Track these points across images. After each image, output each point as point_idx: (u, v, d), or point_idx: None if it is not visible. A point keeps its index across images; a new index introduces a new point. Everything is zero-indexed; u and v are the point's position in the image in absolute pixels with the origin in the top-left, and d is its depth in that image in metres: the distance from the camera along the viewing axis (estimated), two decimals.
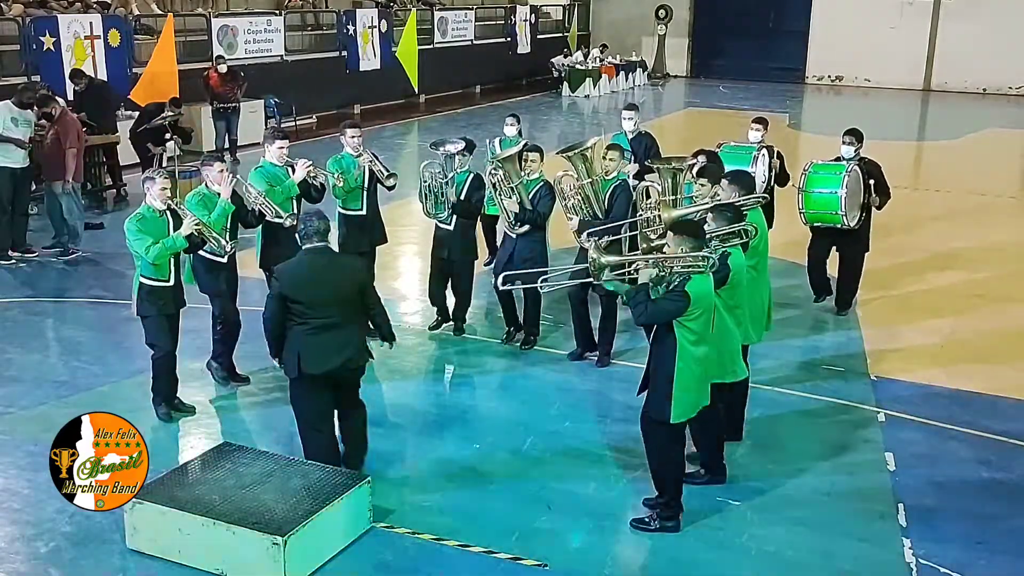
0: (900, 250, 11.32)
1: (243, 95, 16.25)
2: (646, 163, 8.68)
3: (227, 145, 15.88)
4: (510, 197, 8.01)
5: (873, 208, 9.08)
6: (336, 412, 6.18)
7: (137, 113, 14.64)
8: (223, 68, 15.81)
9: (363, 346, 6.12)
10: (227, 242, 7.06)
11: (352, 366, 6.03)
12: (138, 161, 13.24)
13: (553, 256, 8.69)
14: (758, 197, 6.90)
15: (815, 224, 9.11)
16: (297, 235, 6.12)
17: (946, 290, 10.34)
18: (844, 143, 9.09)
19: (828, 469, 6.59)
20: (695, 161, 7.61)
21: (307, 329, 5.86)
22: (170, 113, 12.32)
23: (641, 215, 7.05)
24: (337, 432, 6.24)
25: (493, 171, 8.10)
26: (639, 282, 5.48)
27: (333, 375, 5.94)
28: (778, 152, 9.51)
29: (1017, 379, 8.06)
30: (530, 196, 8.02)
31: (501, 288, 6.90)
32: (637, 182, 7.75)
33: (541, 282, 6.35)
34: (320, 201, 8.07)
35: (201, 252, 7.18)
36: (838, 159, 9.13)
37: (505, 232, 8.26)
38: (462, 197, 8.24)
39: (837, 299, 9.45)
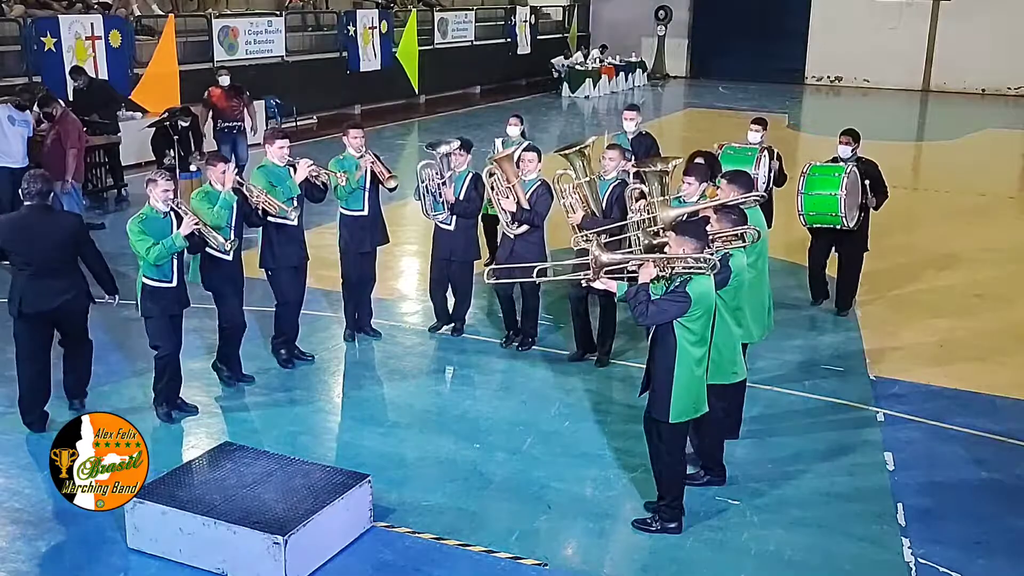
0: (900, 250, 11.33)
1: (251, 114, 13.98)
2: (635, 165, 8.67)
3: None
4: (507, 197, 8.02)
5: (871, 208, 9.10)
6: (64, 350, 7.04)
7: (140, 114, 14.69)
8: (225, 81, 13.53)
9: (81, 291, 6.83)
10: (228, 240, 7.05)
11: (69, 307, 6.76)
12: (144, 161, 13.28)
13: (552, 256, 8.69)
14: (756, 196, 6.91)
15: (815, 225, 9.12)
16: (20, 193, 6.72)
17: (946, 290, 10.35)
18: (841, 143, 9.12)
19: (827, 469, 6.61)
20: (678, 161, 7.59)
21: (28, 274, 6.63)
22: (183, 124, 12.23)
23: (631, 217, 7.04)
24: None
25: (490, 171, 8.11)
26: (639, 282, 5.48)
27: (50, 315, 6.71)
28: (777, 153, 9.53)
29: (1016, 379, 8.08)
30: (528, 196, 8.03)
31: (487, 282, 6.89)
32: (636, 181, 7.75)
33: (536, 274, 6.56)
34: (323, 201, 8.10)
35: (210, 252, 7.18)
36: (835, 159, 9.15)
37: (503, 232, 8.27)
38: (461, 197, 8.26)
39: (837, 299, 9.46)
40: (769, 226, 9.08)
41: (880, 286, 10.08)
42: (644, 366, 5.83)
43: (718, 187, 6.91)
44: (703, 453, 6.33)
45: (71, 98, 13.41)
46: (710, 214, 6.27)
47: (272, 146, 7.75)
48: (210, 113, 13.39)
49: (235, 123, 13.47)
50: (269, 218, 7.58)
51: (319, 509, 5.38)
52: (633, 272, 5.67)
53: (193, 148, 12.11)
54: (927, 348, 8.78)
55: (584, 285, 5.91)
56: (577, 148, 7.75)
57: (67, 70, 14.15)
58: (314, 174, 7.79)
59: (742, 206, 6.43)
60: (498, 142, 10.00)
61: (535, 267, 6.76)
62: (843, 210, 8.76)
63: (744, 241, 6.09)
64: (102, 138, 12.96)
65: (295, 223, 7.68)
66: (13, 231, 6.67)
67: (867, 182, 8.96)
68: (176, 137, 12.03)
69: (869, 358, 8.45)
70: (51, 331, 6.88)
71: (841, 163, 9.02)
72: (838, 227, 8.91)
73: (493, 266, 6.87)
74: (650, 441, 5.83)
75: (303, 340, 8.22)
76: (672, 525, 5.79)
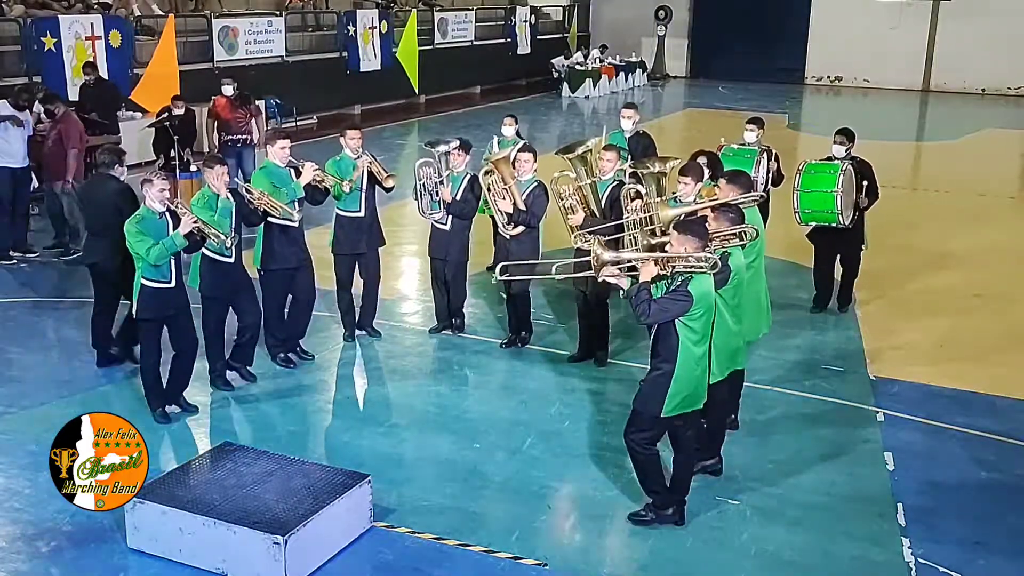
0: (900, 250, 11.33)
1: (259, 126, 12.87)
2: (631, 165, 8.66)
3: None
4: (503, 198, 8.02)
5: (862, 208, 9.10)
6: None
7: (140, 114, 14.68)
8: (229, 90, 12.62)
9: (107, 253, 7.55)
10: (228, 237, 7.04)
11: (100, 267, 7.74)
12: (144, 161, 13.25)
13: (547, 256, 8.68)
14: (755, 196, 6.91)
15: (810, 223, 9.10)
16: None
17: (945, 290, 10.35)
18: (835, 143, 9.13)
19: (827, 469, 6.61)
20: (676, 161, 7.60)
21: (87, 232, 8.12)
22: (178, 112, 12.25)
23: (628, 216, 7.03)
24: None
25: (486, 172, 8.10)
26: (640, 281, 5.48)
27: (90, 271, 7.95)
28: (775, 153, 9.53)
29: (1016, 379, 8.08)
30: (524, 197, 8.03)
31: (499, 279, 6.86)
32: (633, 181, 7.74)
33: (555, 271, 6.48)
34: (323, 203, 8.09)
35: (210, 254, 7.18)
36: (829, 159, 9.15)
37: (499, 233, 8.27)
38: (458, 197, 8.26)
39: (839, 297, 9.48)
40: (765, 225, 9.09)
41: (880, 286, 10.08)
42: (645, 366, 5.82)
43: (718, 187, 6.91)
44: (706, 441, 6.31)
45: (75, 96, 13.42)
46: (708, 213, 6.28)
47: (274, 147, 7.76)
48: (215, 125, 12.70)
49: (240, 136, 12.47)
50: (270, 218, 7.58)
51: (319, 509, 5.38)
52: (634, 271, 5.67)
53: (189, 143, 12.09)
54: (927, 348, 8.78)
55: (599, 279, 5.85)
56: (578, 153, 7.74)
57: (67, 70, 14.18)
58: (318, 179, 7.79)
59: (741, 206, 6.43)
60: (494, 141, 10.00)
61: (542, 264, 6.73)
62: (839, 207, 8.76)
63: (742, 240, 6.10)
64: (102, 138, 12.94)
65: (296, 224, 7.68)
66: (81, 194, 8.56)
67: (864, 182, 8.96)
68: (176, 137, 12.04)
69: (869, 358, 8.45)
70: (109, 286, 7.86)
71: (837, 161, 9.02)
72: (834, 225, 8.90)
73: (504, 263, 6.83)
74: (629, 436, 5.80)
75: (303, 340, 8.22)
76: (669, 512, 5.78)
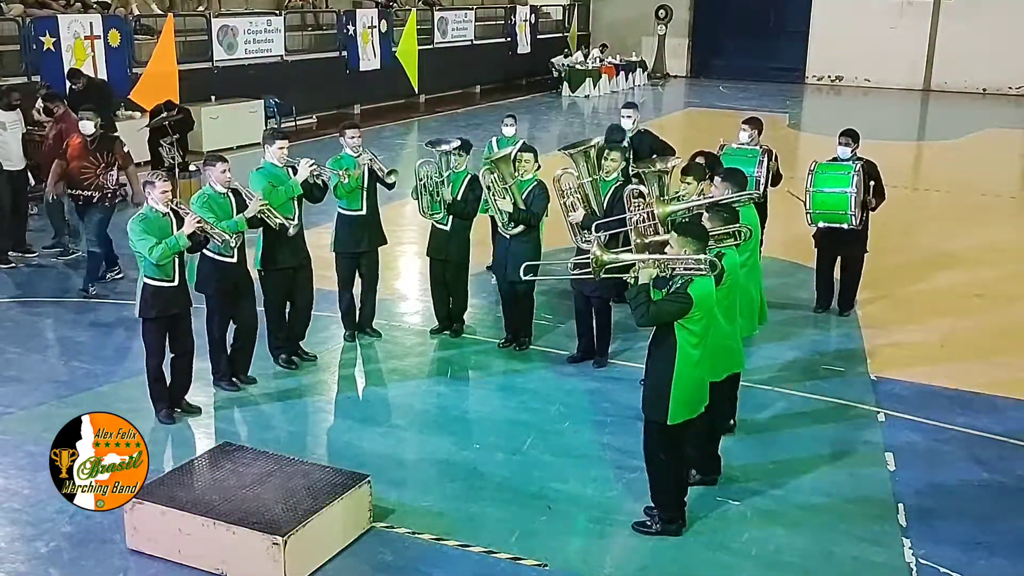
0: (900, 250, 11.31)
1: (130, 178, 9.83)
2: (633, 166, 8.65)
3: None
4: (504, 198, 8.02)
5: (869, 209, 9.08)
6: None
7: (139, 114, 14.66)
8: (89, 128, 9.34)
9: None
10: (231, 237, 7.02)
11: None
12: (143, 161, 13.20)
13: (548, 256, 8.67)
14: (750, 194, 6.90)
15: (820, 224, 9.07)
16: None
17: (946, 290, 10.34)
18: (840, 144, 9.10)
19: (828, 469, 6.60)
20: (677, 161, 7.60)
21: None
22: (170, 113, 12.26)
23: (630, 215, 7.02)
24: None
25: (487, 172, 8.10)
26: (640, 282, 5.46)
27: None
28: (775, 154, 9.52)
29: (1017, 379, 8.06)
30: (523, 196, 8.03)
31: (524, 279, 6.86)
32: (635, 181, 7.74)
33: (575, 269, 6.35)
34: (322, 200, 8.08)
35: (211, 255, 7.16)
36: (835, 159, 9.13)
37: (499, 233, 8.26)
38: (458, 197, 8.25)
39: (840, 299, 9.45)
40: (763, 224, 9.10)
41: (880, 286, 10.06)
42: (644, 366, 5.81)
43: (713, 185, 6.91)
44: (695, 450, 6.29)
45: (68, 99, 13.37)
46: (702, 212, 6.27)
47: (272, 147, 7.75)
48: (62, 169, 9.68)
49: (83, 193, 9.46)
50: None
51: (319, 509, 5.37)
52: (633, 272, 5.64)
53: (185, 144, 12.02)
54: (928, 348, 8.76)
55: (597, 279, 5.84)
56: (581, 148, 7.74)
57: (66, 70, 14.13)
58: (315, 173, 7.78)
59: (735, 204, 6.42)
60: (493, 141, 10.00)
61: (571, 262, 6.69)
62: (852, 208, 8.74)
63: (736, 239, 6.08)
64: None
65: (293, 233, 7.63)
66: None
67: (872, 183, 8.95)
68: (176, 136, 12.02)
69: (870, 358, 8.44)
70: None
71: (846, 162, 9.00)
72: (845, 225, 8.87)
73: (527, 264, 6.85)
74: (644, 445, 5.80)
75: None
76: (673, 527, 5.77)
